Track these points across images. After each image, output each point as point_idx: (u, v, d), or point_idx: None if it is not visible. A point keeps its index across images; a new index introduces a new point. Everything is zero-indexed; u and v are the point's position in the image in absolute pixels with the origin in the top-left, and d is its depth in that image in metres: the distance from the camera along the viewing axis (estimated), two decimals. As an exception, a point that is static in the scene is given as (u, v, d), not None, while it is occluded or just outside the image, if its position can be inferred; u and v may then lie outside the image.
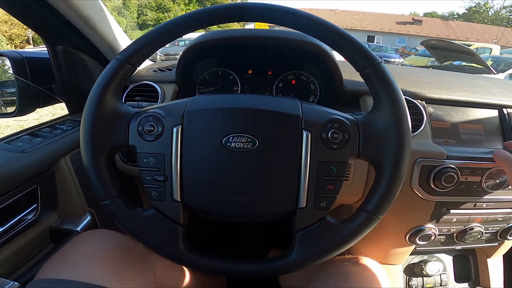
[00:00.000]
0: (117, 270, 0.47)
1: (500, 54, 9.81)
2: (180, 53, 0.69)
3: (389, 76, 0.40)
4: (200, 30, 0.51)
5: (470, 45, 8.16)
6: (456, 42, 6.15)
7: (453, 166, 0.59)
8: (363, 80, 0.42)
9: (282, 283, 0.80)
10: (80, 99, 0.77)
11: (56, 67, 0.74)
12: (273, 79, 0.76)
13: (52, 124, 0.74)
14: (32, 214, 0.60)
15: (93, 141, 0.41)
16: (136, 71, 0.82)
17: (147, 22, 26.07)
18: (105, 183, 0.41)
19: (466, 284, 0.83)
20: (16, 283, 0.49)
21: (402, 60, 10.59)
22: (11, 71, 0.68)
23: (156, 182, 0.41)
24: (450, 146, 0.64)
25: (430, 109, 0.66)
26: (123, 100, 0.73)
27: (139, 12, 27.07)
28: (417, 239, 0.67)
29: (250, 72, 0.77)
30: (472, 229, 0.68)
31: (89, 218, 0.71)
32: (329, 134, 0.40)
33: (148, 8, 27.13)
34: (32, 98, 0.72)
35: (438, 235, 0.68)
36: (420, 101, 0.66)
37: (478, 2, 33.94)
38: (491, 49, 10.30)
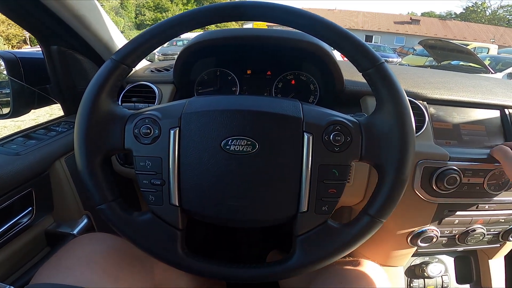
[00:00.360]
0: (114, 273, 0.47)
1: (497, 53, 9.85)
2: (178, 53, 0.68)
3: (393, 77, 0.39)
4: (198, 30, 0.50)
5: (468, 45, 8.22)
6: (454, 41, 6.17)
7: (455, 168, 0.59)
8: (364, 80, 0.42)
9: (282, 284, 0.79)
10: (75, 100, 0.76)
11: (50, 68, 0.72)
12: (272, 79, 0.75)
13: (47, 126, 0.73)
14: (27, 217, 0.59)
15: (88, 144, 0.39)
16: (133, 72, 0.81)
17: (145, 22, 26.04)
18: (100, 187, 0.40)
19: (467, 286, 0.83)
20: (11, 287, 0.48)
21: (400, 59, 10.65)
22: (5, 72, 0.67)
23: (153, 186, 0.40)
24: (452, 147, 0.63)
25: (432, 109, 0.66)
26: (120, 101, 0.72)
27: (137, 12, 27.05)
28: (419, 241, 0.67)
29: (249, 72, 0.76)
30: (474, 230, 0.67)
31: (85, 221, 0.71)
32: (331, 136, 0.39)
33: (146, 8, 27.10)
34: (27, 99, 0.71)
35: (440, 237, 0.68)
36: (421, 101, 0.65)
37: (476, 2, 34.13)
38: (488, 49, 10.34)
